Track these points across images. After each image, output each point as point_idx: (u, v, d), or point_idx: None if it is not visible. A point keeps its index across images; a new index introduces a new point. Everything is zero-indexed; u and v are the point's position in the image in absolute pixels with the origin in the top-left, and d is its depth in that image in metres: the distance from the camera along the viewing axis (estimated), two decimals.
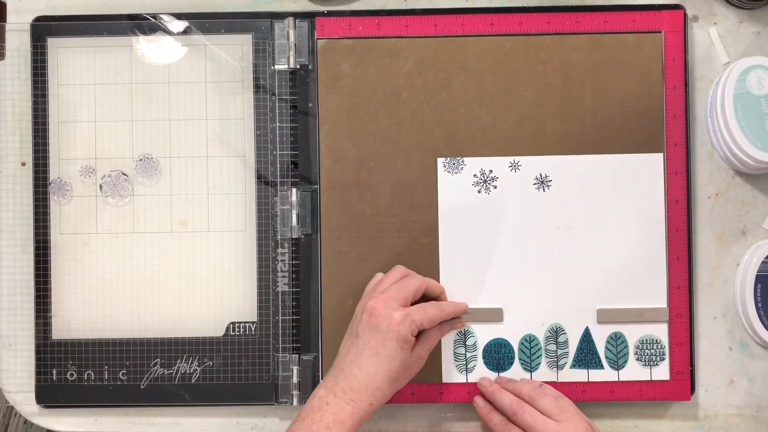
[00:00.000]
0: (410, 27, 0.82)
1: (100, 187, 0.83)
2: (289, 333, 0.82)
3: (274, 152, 0.83)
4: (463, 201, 0.82)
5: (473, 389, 0.81)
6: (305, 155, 0.82)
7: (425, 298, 0.79)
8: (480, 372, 0.81)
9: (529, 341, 0.81)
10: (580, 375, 0.81)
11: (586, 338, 0.81)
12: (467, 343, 0.81)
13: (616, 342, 0.81)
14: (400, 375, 0.74)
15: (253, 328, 0.82)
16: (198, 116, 0.83)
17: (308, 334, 0.82)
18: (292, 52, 0.82)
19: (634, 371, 0.81)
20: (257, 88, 0.83)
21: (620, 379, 0.81)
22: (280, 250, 0.82)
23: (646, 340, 0.81)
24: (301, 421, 0.72)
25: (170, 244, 0.83)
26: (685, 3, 0.83)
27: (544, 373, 0.81)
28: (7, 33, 0.84)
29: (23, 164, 0.84)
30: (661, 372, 0.81)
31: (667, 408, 0.83)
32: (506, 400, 0.77)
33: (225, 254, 0.83)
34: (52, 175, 0.83)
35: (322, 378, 0.81)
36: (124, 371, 0.82)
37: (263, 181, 0.82)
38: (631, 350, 0.81)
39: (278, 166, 0.82)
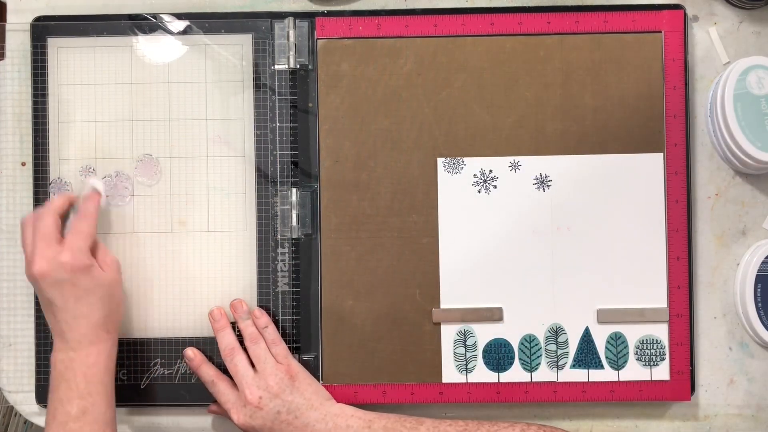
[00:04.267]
0: (410, 27, 0.82)
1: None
2: (289, 333, 0.82)
3: (274, 152, 0.83)
4: (463, 201, 0.82)
5: (473, 389, 0.81)
6: (305, 155, 0.82)
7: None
8: (480, 372, 0.81)
9: (529, 341, 0.81)
10: (580, 375, 0.81)
11: (586, 338, 0.81)
12: (467, 343, 0.82)
13: (616, 342, 0.81)
14: (109, 291, 0.76)
15: None
16: (198, 116, 0.83)
17: (308, 334, 0.82)
18: (292, 52, 0.82)
19: (634, 371, 0.81)
20: (257, 87, 0.83)
21: (620, 379, 0.81)
22: (280, 250, 0.82)
23: (646, 340, 0.81)
24: (55, 391, 0.73)
25: (170, 244, 0.83)
26: (685, 3, 0.83)
27: (544, 373, 0.81)
28: (7, 33, 0.84)
29: (23, 164, 0.84)
30: (661, 372, 0.81)
31: (667, 408, 0.83)
32: (222, 343, 0.80)
33: (225, 254, 0.83)
34: (52, 175, 0.83)
35: (322, 378, 0.81)
36: (124, 371, 0.82)
37: (263, 174, 0.82)
38: (631, 350, 0.81)
39: (278, 165, 0.82)
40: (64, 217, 0.78)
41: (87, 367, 0.74)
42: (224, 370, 0.79)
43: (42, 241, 0.74)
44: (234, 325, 0.81)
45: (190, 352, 0.80)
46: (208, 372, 0.79)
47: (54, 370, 0.74)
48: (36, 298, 0.82)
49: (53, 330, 0.75)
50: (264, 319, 0.80)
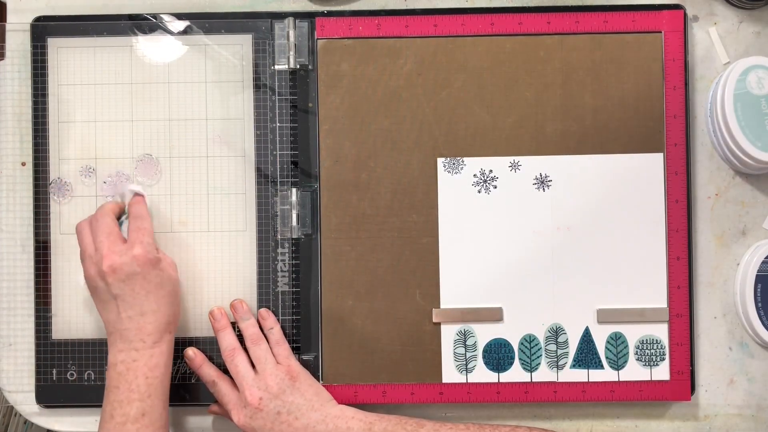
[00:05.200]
0: (410, 27, 0.82)
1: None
2: (289, 333, 0.82)
3: (275, 152, 0.83)
4: (463, 201, 0.82)
5: (473, 389, 0.81)
6: (305, 155, 0.82)
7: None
8: (480, 372, 0.81)
9: (529, 341, 0.81)
10: (580, 375, 0.81)
11: (586, 338, 0.81)
12: (467, 343, 0.82)
13: (616, 342, 0.81)
14: (174, 288, 0.77)
15: None
16: (198, 116, 0.83)
17: (308, 334, 0.82)
18: (292, 52, 0.82)
19: (634, 371, 0.81)
20: (257, 87, 0.83)
21: (620, 379, 0.81)
22: (280, 250, 0.82)
23: (646, 340, 0.81)
24: (113, 392, 0.73)
25: (170, 244, 0.83)
26: (685, 3, 0.83)
27: (544, 373, 0.81)
28: (7, 33, 0.84)
29: (23, 164, 0.84)
30: (661, 372, 0.81)
31: (667, 408, 0.83)
32: (223, 344, 0.80)
33: (225, 254, 0.83)
34: (52, 175, 0.83)
35: (322, 379, 0.81)
36: None
37: (263, 174, 0.82)
38: (631, 350, 0.81)
39: (278, 165, 0.82)
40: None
41: (149, 368, 0.74)
42: (225, 370, 0.79)
43: (108, 239, 0.75)
44: (234, 325, 0.81)
45: (191, 352, 0.80)
46: (208, 372, 0.79)
47: (113, 370, 0.74)
48: (36, 298, 0.82)
49: (113, 330, 0.75)
50: (270, 320, 0.80)
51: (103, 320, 0.76)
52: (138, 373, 0.74)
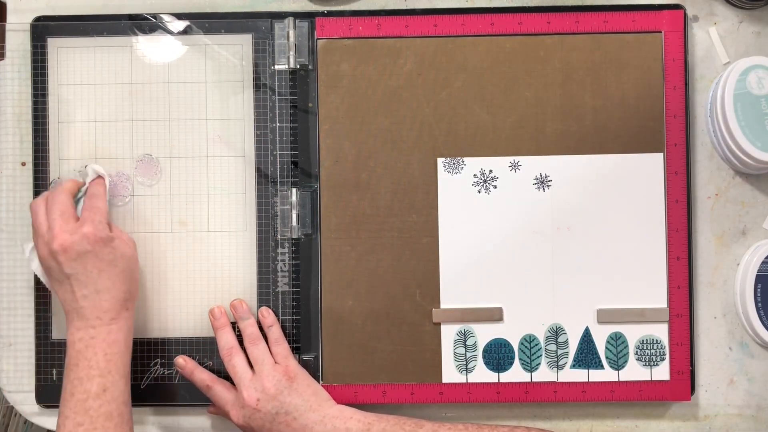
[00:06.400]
0: (410, 27, 0.82)
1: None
2: (289, 333, 0.82)
3: (275, 152, 0.83)
4: (463, 201, 0.82)
5: (473, 389, 0.81)
6: (305, 155, 0.82)
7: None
8: (480, 372, 0.81)
9: (529, 341, 0.81)
10: (580, 375, 0.81)
11: (586, 338, 0.81)
12: (467, 343, 0.82)
13: (616, 342, 0.81)
14: (129, 265, 0.76)
15: None
16: (198, 116, 0.83)
17: (308, 334, 0.82)
18: (292, 52, 0.82)
19: (634, 371, 0.81)
20: (257, 87, 0.83)
21: (620, 379, 0.81)
22: (280, 250, 0.82)
23: (646, 340, 0.81)
24: (73, 370, 0.73)
25: (170, 244, 0.83)
26: (685, 3, 0.83)
27: (544, 373, 0.81)
28: (7, 33, 0.84)
29: (23, 164, 0.84)
30: (661, 372, 0.81)
31: (667, 408, 0.83)
32: (221, 342, 0.80)
33: (225, 254, 0.83)
34: (52, 175, 0.83)
35: (322, 379, 0.81)
36: None
37: (263, 174, 0.82)
38: (631, 350, 0.81)
39: (278, 165, 0.82)
40: (75, 202, 0.78)
41: (108, 344, 0.74)
42: (223, 369, 0.79)
43: (60, 217, 0.75)
44: (234, 325, 0.81)
45: (181, 360, 0.80)
46: (201, 377, 0.79)
47: (72, 348, 0.74)
48: (36, 298, 0.82)
49: (70, 308, 0.75)
50: (270, 318, 0.80)
51: (59, 300, 0.76)
52: (97, 349, 0.73)
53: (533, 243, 0.81)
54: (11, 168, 0.84)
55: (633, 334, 0.81)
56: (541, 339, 0.81)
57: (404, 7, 0.84)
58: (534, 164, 0.82)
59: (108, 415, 0.72)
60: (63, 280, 0.74)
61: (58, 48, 0.83)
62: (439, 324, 0.82)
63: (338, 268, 0.82)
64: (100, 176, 0.80)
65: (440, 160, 0.82)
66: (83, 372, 0.73)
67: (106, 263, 0.75)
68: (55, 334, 0.82)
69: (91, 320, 0.74)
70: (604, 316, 0.81)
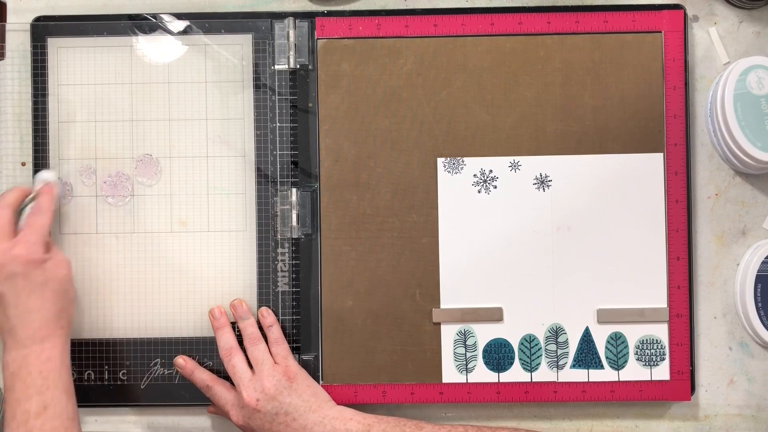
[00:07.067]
0: (410, 27, 0.82)
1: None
2: (289, 333, 0.82)
3: (275, 152, 0.83)
4: (463, 201, 0.82)
5: (473, 389, 0.81)
6: (305, 155, 0.82)
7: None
8: (480, 372, 0.81)
9: (529, 341, 0.81)
10: (580, 375, 0.81)
11: (586, 338, 0.81)
12: (467, 343, 0.82)
13: (616, 342, 0.81)
14: (61, 286, 0.75)
15: None
16: (198, 116, 0.83)
17: (308, 334, 0.82)
18: (292, 52, 0.82)
19: (634, 371, 0.81)
20: (257, 87, 0.83)
21: (620, 379, 0.81)
22: (280, 250, 0.82)
23: (646, 340, 0.81)
24: (10, 392, 0.71)
25: (170, 244, 0.83)
26: (685, 3, 0.83)
27: (544, 373, 0.81)
28: (7, 33, 0.84)
29: (23, 164, 0.84)
30: (661, 372, 0.81)
31: (667, 408, 0.83)
32: (221, 342, 0.79)
33: (225, 254, 0.83)
34: None
35: (322, 379, 0.81)
36: (124, 371, 0.82)
37: (263, 174, 0.82)
38: (631, 350, 0.81)
39: (278, 165, 0.82)
40: (18, 212, 0.77)
41: (42, 362, 0.72)
42: (223, 369, 0.79)
43: None
44: (234, 325, 0.81)
45: (181, 360, 0.80)
46: (201, 377, 0.79)
47: (6, 370, 0.73)
48: None
49: (3, 329, 0.74)
50: (270, 318, 0.80)
51: None
52: (31, 369, 0.72)
53: (533, 243, 0.81)
54: (11, 168, 0.84)
55: (633, 334, 0.81)
56: (541, 339, 0.81)
57: (404, 7, 0.84)
58: (534, 164, 0.82)
59: None
60: None
61: (58, 48, 0.83)
62: (439, 324, 0.82)
63: (338, 268, 0.82)
64: (49, 184, 0.79)
65: (440, 160, 0.82)
66: (20, 393, 0.72)
67: (37, 285, 0.73)
68: None
69: (23, 340, 0.73)
70: (604, 316, 0.81)
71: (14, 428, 0.71)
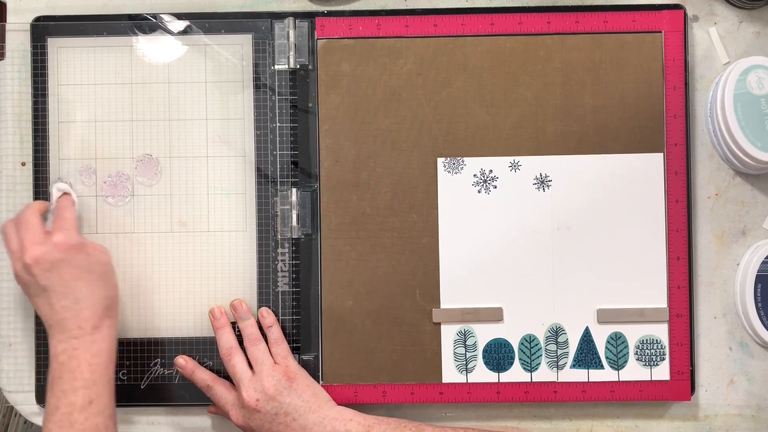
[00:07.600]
0: (410, 27, 0.82)
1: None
2: (290, 333, 0.82)
3: (275, 152, 0.83)
4: (463, 201, 0.82)
5: (473, 389, 0.81)
6: (305, 155, 0.82)
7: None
8: (480, 372, 0.81)
9: (529, 341, 0.81)
10: (580, 375, 0.81)
11: (586, 338, 0.81)
12: (467, 343, 0.82)
13: (616, 342, 0.81)
14: (105, 271, 0.76)
15: None
16: (198, 116, 0.83)
17: (308, 334, 0.82)
18: (292, 52, 0.82)
19: (634, 371, 0.81)
20: (257, 87, 0.83)
21: (620, 379, 0.81)
22: (280, 250, 0.82)
23: (646, 340, 0.81)
24: (57, 383, 0.72)
25: (170, 244, 0.83)
26: (685, 3, 0.83)
27: (544, 373, 0.81)
28: (7, 33, 0.84)
29: (23, 164, 0.84)
30: (661, 372, 0.81)
31: (667, 408, 0.83)
32: (221, 342, 0.79)
33: (225, 254, 0.83)
34: (52, 175, 0.83)
35: (322, 379, 0.81)
36: (124, 371, 0.82)
37: (263, 174, 0.82)
38: (631, 350, 0.81)
39: (278, 165, 0.82)
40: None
41: (92, 355, 0.73)
42: (223, 369, 0.79)
43: (29, 232, 0.74)
44: (234, 325, 0.81)
45: (182, 360, 0.80)
46: (202, 377, 0.79)
47: (55, 361, 0.73)
48: None
49: (50, 321, 0.74)
50: (270, 318, 0.80)
51: (40, 316, 0.75)
52: (80, 360, 0.72)
53: (533, 243, 0.81)
54: (11, 168, 0.84)
55: (633, 334, 0.81)
56: (541, 339, 0.81)
57: (404, 7, 0.84)
58: (534, 164, 0.82)
59: (94, 428, 0.71)
60: (40, 293, 0.74)
61: (58, 48, 0.83)
62: (439, 324, 0.82)
63: (338, 268, 0.82)
64: (65, 194, 0.80)
65: (440, 160, 0.82)
66: (67, 384, 0.72)
67: (82, 270, 0.74)
68: None
69: (73, 330, 0.73)
70: (604, 316, 0.81)
71: (56, 420, 0.71)
